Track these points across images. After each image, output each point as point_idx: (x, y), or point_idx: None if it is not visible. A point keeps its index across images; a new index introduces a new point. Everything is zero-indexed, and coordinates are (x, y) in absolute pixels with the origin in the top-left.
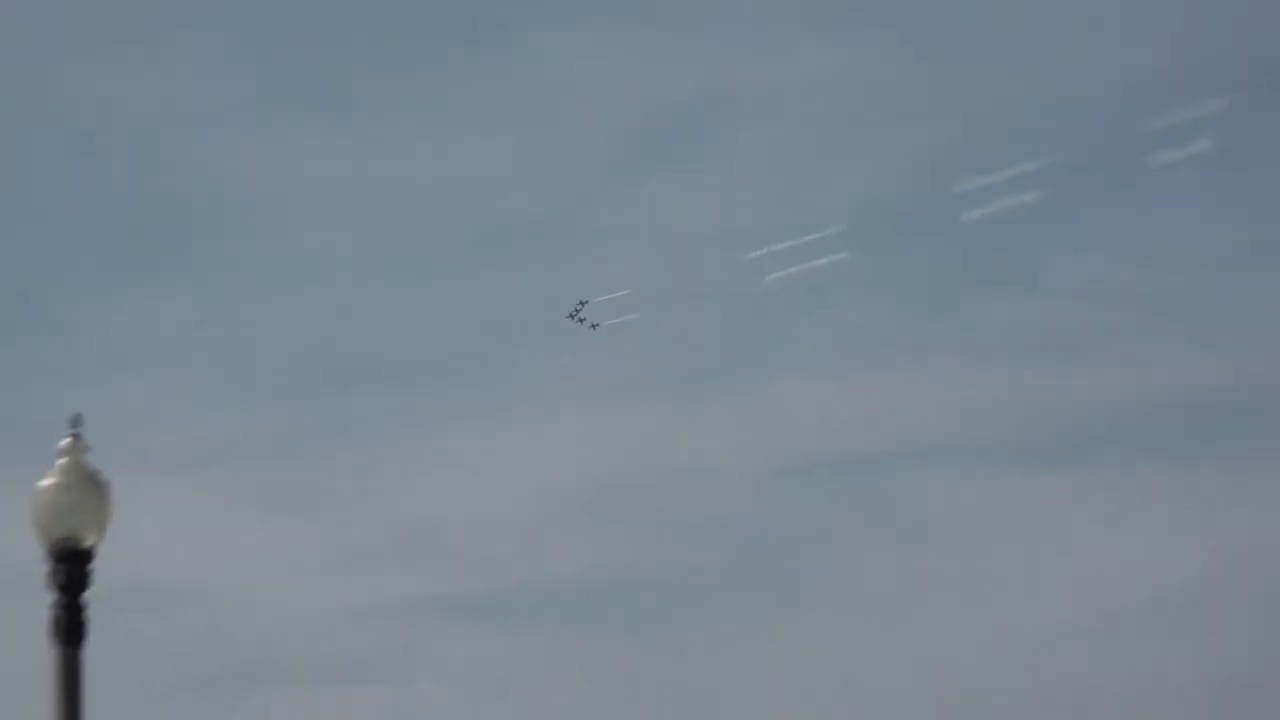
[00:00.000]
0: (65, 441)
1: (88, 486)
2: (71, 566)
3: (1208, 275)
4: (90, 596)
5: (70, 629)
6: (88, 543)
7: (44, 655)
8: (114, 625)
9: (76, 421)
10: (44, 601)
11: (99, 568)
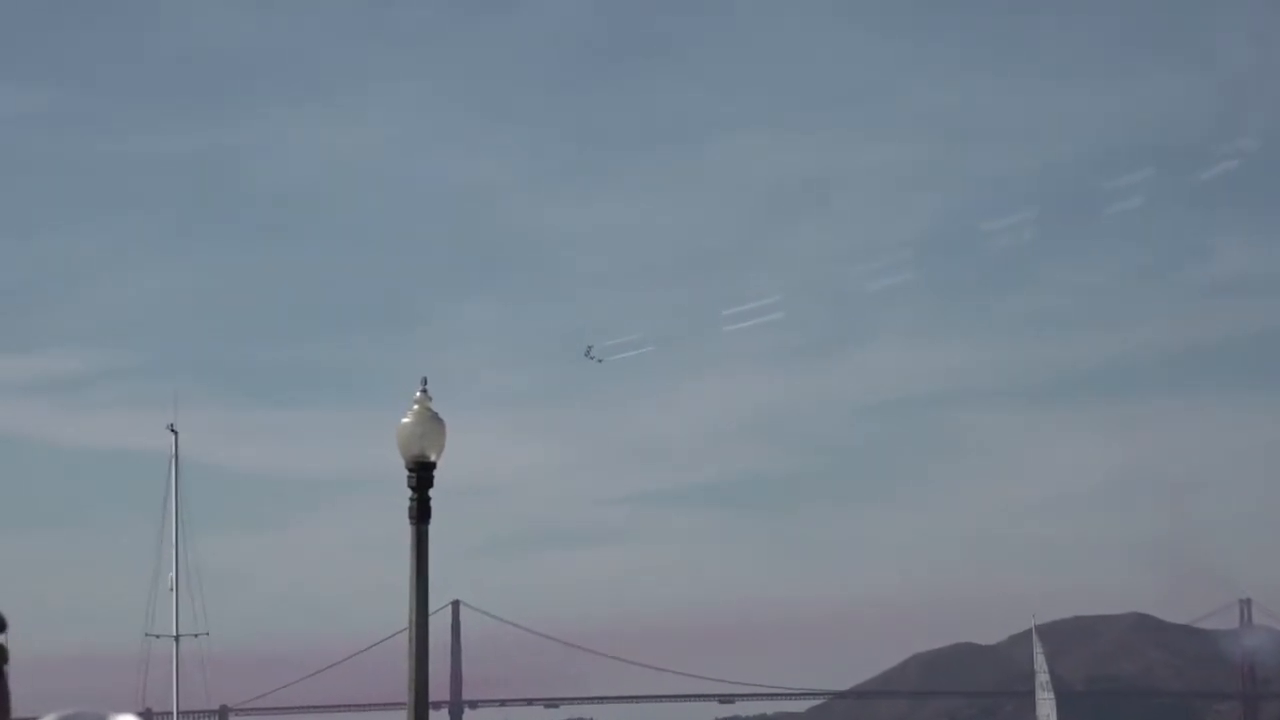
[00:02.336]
0: (417, 393)
1: (431, 422)
2: (421, 474)
3: None
4: (433, 493)
5: (420, 513)
6: (431, 458)
7: (405, 529)
8: (448, 510)
9: (424, 381)
10: (405, 495)
11: (439, 474)
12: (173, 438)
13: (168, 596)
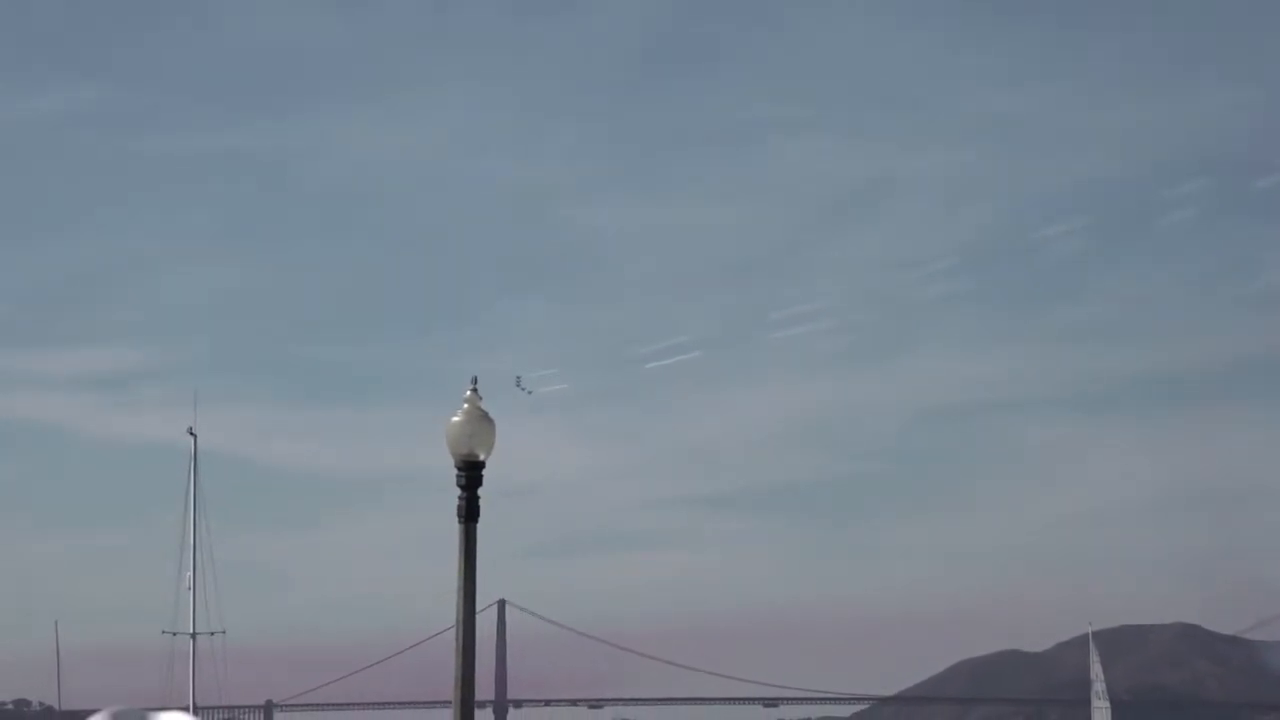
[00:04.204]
0: (467, 393)
1: (481, 421)
2: (470, 473)
3: None
4: (481, 492)
5: (469, 512)
6: (481, 457)
7: (452, 528)
8: (496, 510)
9: (474, 381)
10: (454, 494)
11: (487, 473)
12: (192, 440)
13: (188, 595)
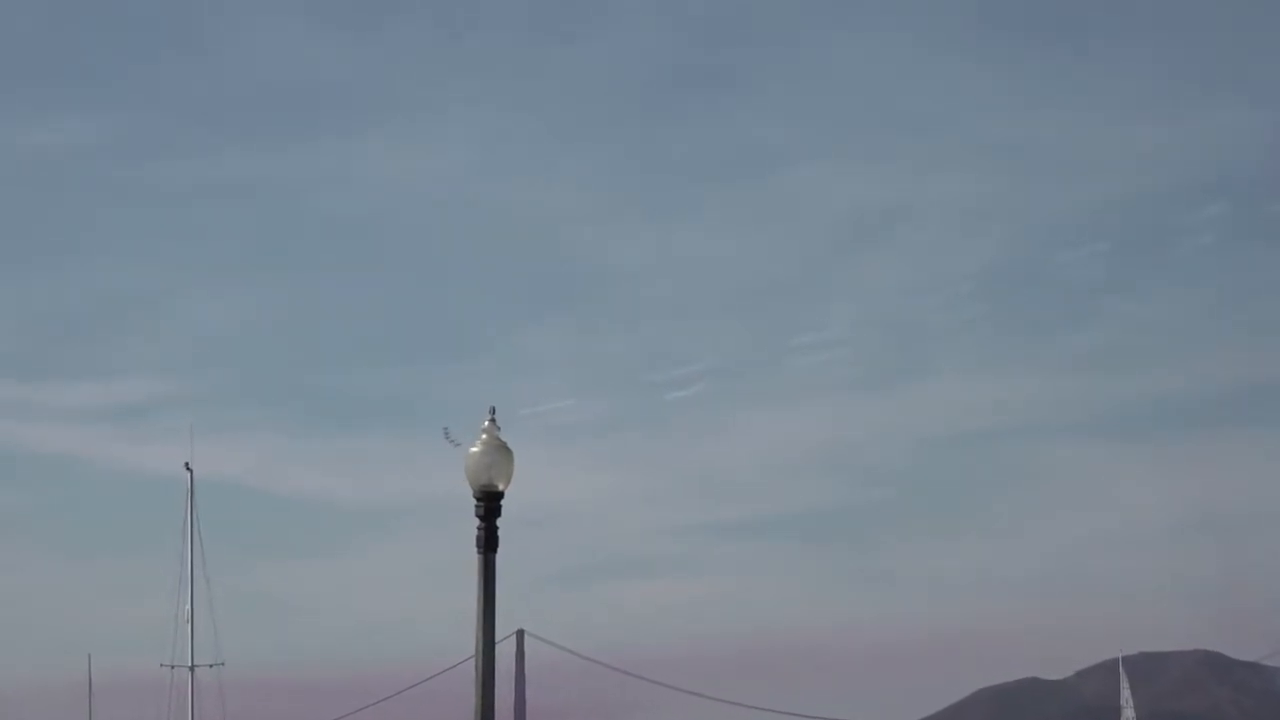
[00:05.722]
0: (485, 423)
1: (499, 451)
2: (489, 502)
3: None
4: (500, 521)
5: (488, 543)
6: (500, 487)
7: (469, 558)
8: (515, 539)
9: (492, 411)
10: (473, 523)
11: (506, 503)
12: (189, 476)
13: (186, 627)
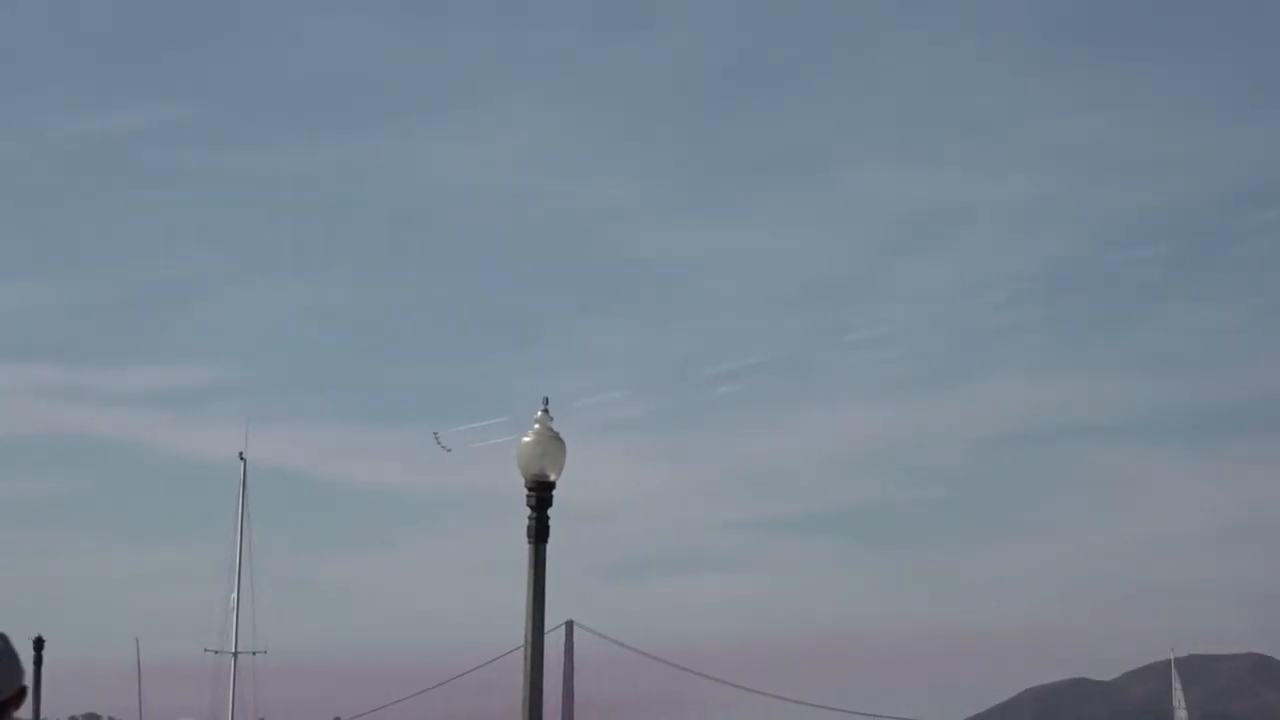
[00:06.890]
0: (538, 414)
1: (551, 442)
2: (541, 493)
3: None
4: (552, 512)
5: (539, 533)
6: (551, 478)
7: (520, 548)
8: (564, 531)
9: (545, 401)
10: (524, 514)
11: (558, 494)
12: (242, 465)
13: (232, 614)
